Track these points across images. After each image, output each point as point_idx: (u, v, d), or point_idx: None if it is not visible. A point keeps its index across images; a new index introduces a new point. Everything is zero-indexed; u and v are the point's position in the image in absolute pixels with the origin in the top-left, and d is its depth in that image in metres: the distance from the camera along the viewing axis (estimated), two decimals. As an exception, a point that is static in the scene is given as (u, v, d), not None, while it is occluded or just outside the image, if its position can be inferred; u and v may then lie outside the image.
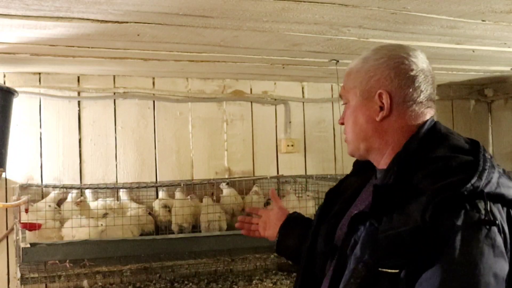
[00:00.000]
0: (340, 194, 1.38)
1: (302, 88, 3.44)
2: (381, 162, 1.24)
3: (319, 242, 1.33)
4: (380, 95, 1.20)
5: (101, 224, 2.64)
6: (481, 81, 3.65)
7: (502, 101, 3.82)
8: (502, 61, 2.87)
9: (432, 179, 1.06)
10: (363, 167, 1.34)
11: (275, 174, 3.31)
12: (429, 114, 1.22)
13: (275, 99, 3.36)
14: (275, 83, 3.36)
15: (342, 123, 1.31)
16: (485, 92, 3.82)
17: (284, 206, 1.67)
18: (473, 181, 1.03)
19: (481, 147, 1.15)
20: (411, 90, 1.20)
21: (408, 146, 1.16)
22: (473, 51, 2.53)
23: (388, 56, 1.21)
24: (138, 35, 1.98)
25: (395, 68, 1.20)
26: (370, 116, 1.22)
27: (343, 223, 1.26)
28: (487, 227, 1.00)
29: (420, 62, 1.22)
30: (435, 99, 1.25)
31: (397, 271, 1.01)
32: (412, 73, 1.20)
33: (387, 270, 1.01)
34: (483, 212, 1.01)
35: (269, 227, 1.64)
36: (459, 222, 0.99)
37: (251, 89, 3.32)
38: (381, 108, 1.20)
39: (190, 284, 2.88)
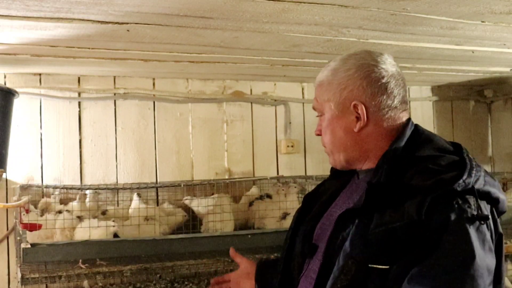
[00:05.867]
0: (317, 197, 1.40)
1: (302, 89, 3.44)
2: (365, 164, 1.26)
3: (297, 243, 1.34)
4: (355, 106, 1.21)
5: (113, 226, 2.65)
6: (481, 82, 3.65)
7: (502, 102, 3.83)
8: (501, 62, 2.87)
9: (424, 176, 1.08)
10: (341, 171, 1.35)
11: (275, 174, 3.31)
12: (404, 117, 1.25)
13: (275, 100, 3.36)
14: (275, 84, 3.36)
15: (319, 134, 1.33)
16: (485, 93, 3.82)
17: (248, 259, 1.59)
18: (464, 177, 1.07)
19: (464, 148, 1.19)
20: (384, 97, 1.22)
21: (396, 145, 1.18)
22: (473, 52, 2.53)
23: (357, 66, 1.22)
24: (127, 30, 1.98)
25: (366, 78, 1.21)
26: (347, 127, 1.23)
27: (323, 222, 1.29)
28: (481, 222, 1.04)
29: (390, 66, 1.24)
30: (408, 100, 1.28)
31: (387, 267, 1.03)
32: (383, 81, 1.21)
33: (377, 266, 1.03)
34: (473, 207, 1.05)
35: (243, 284, 1.55)
36: (453, 217, 1.03)
37: (251, 90, 3.32)
38: (358, 119, 1.22)
39: (190, 284, 2.88)
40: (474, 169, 1.11)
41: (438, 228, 1.02)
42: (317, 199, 1.39)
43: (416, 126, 1.25)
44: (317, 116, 1.32)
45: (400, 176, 1.11)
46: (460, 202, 1.05)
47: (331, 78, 1.25)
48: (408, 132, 1.21)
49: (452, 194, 1.05)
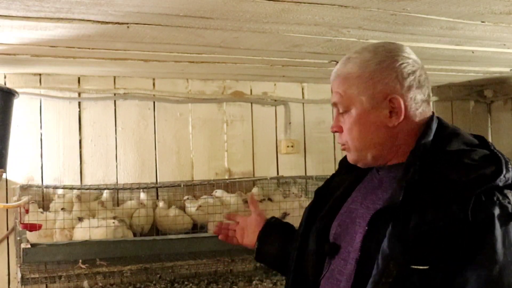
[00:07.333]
0: (329, 193, 1.34)
1: (302, 89, 3.44)
2: (391, 161, 1.20)
3: (310, 241, 1.29)
4: (391, 100, 1.15)
5: (113, 223, 2.65)
6: (481, 82, 3.65)
7: (502, 102, 3.82)
8: (501, 62, 2.87)
9: (462, 171, 1.05)
10: (352, 166, 1.28)
11: (275, 175, 3.31)
12: (429, 111, 1.21)
13: (275, 100, 3.37)
14: (275, 84, 3.37)
15: (337, 131, 1.24)
16: (485, 93, 3.82)
17: (262, 212, 1.58)
18: (504, 172, 1.05)
19: (489, 141, 1.16)
20: (418, 90, 1.17)
21: (425, 141, 1.13)
22: (473, 52, 2.53)
23: (390, 59, 1.16)
24: (127, 27, 1.98)
25: (401, 71, 1.16)
26: (381, 122, 1.16)
27: (342, 220, 1.23)
28: None
29: (416, 58, 1.20)
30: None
31: (427, 267, 1.00)
32: (417, 73, 1.17)
33: (419, 267, 1.00)
34: None
35: (247, 234, 1.56)
36: (496, 213, 1.00)
37: (251, 90, 3.32)
38: (391, 113, 1.16)
39: (190, 284, 2.88)
40: (509, 162, 1.08)
41: (482, 226, 0.99)
42: (329, 194, 1.33)
43: (439, 119, 1.21)
44: (341, 112, 1.21)
45: (434, 173, 1.07)
46: (500, 197, 1.02)
47: (361, 70, 1.16)
48: (434, 126, 1.16)
49: (493, 189, 1.02)
